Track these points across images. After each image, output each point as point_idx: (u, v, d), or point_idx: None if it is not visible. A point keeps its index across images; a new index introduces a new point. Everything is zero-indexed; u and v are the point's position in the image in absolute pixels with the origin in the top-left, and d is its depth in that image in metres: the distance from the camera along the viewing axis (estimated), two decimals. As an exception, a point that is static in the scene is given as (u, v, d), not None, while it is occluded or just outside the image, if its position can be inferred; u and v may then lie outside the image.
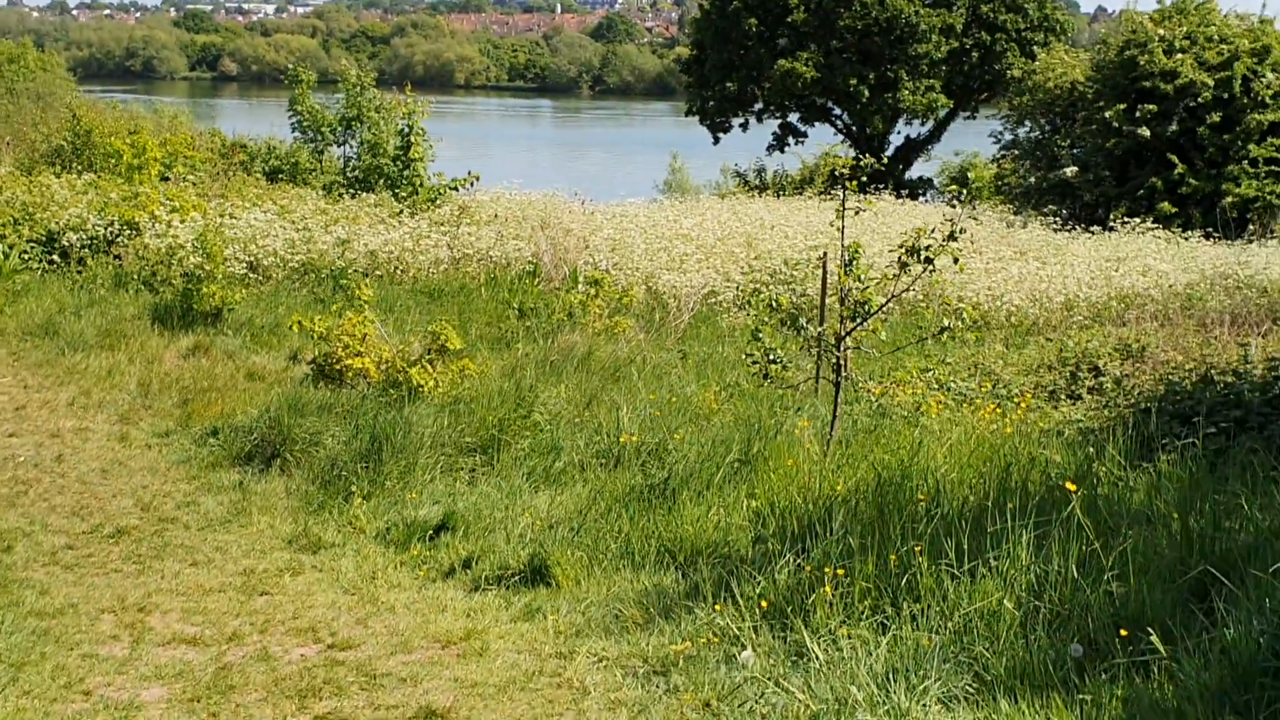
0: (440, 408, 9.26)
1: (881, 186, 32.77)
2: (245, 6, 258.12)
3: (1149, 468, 6.98)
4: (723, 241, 17.78)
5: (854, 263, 9.31)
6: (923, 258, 7.56)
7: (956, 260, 7.61)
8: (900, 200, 29.99)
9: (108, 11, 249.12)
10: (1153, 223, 23.49)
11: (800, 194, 33.58)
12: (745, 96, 41.00)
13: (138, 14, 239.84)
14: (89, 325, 13.52)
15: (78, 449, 9.80)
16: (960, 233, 7.50)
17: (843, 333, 7.89)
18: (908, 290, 7.81)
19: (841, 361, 7.93)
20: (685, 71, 43.56)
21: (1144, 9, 31.29)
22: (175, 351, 13.00)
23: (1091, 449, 7.20)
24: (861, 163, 8.85)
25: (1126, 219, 24.38)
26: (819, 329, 8.20)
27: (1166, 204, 26.41)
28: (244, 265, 15.61)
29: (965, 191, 33.93)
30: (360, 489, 8.31)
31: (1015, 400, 10.09)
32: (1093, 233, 23.12)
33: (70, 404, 11.03)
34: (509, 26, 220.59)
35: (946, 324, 7.69)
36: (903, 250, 7.69)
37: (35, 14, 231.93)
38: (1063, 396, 10.73)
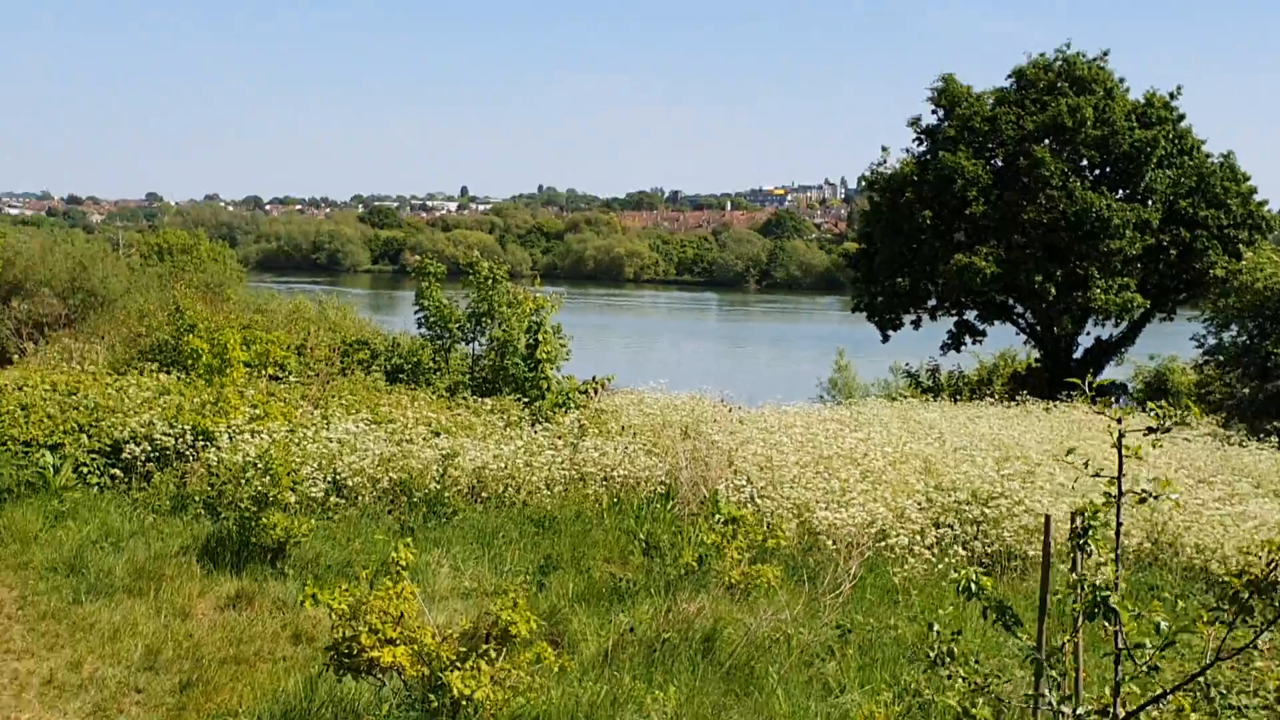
0: (485, 737, 6.50)
1: (1073, 394, 29.43)
2: (429, 204, 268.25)
3: None
4: (895, 466, 14.79)
5: (1088, 538, 6.42)
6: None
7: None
8: (1094, 408, 26.51)
9: (299, 206, 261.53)
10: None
11: (978, 397, 30.39)
12: (918, 292, 38.13)
13: (328, 209, 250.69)
14: (123, 561, 11.28)
15: (13, 761, 7.31)
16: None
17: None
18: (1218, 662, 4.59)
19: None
20: (853, 266, 40.90)
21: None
22: (213, 600, 10.59)
23: None
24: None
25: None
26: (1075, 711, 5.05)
27: (1403, 419, 22.62)
28: (325, 486, 13.27)
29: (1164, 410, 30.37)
30: None
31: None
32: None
33: (48, 681, 8.59)
34: (679, 223, 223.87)
35: None
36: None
37: (230, 208, 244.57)
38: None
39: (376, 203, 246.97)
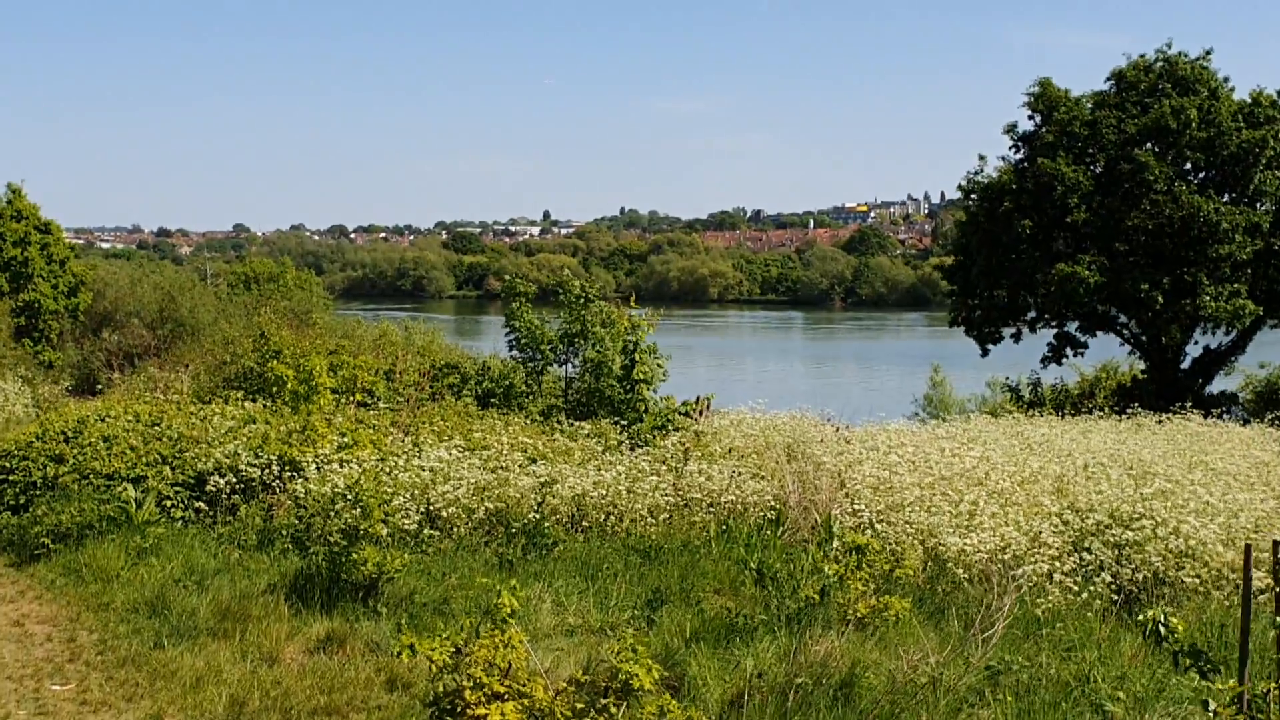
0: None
1: (1185, 405, 28.05)
2: (512, 229, 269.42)
3: None
4: (1023, 485, 13.79)
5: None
6: None
7: None
8: (1210, 420, 25.21)
9: (383, 234, 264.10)
10: None
11: (1083, 411, 29.08)
12: (1017, 304, 36.84)
13: (411, 236, 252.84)
14: (207, 601, 10.70)
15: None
16: None
17: None
18: None
19: None
20: (949, 279, 39.66)
21: None
22: (302, 643, 9.94)
23: None
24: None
25: None
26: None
27: None
28: (418, 518, 12.60)
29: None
30: None
31: None
32: None
33: (125, 735, 7.98)
34: (762, 242, 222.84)
35: None
36: None
37: (315, 237, 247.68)
38: None
39: (459, 229, 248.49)
